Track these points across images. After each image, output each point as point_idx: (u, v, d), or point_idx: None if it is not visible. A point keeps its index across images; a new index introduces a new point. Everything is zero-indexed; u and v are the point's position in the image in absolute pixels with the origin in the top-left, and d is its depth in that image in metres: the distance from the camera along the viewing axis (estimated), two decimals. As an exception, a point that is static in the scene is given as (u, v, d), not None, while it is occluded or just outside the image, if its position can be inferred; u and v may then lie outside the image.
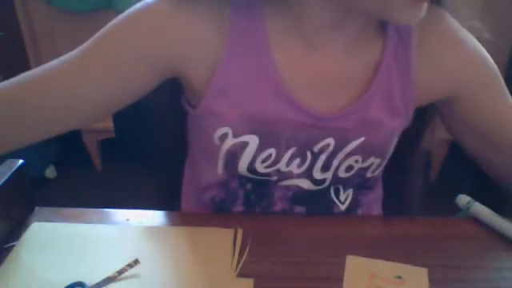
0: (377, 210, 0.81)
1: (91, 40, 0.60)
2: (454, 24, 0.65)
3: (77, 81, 0.59)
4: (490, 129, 0.68)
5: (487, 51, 0.67)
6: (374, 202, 0.80)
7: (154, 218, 0.68)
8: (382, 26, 0.63)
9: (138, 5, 0.60)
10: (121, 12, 0.61)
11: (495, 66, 0.67)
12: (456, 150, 0.79)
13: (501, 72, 0.69)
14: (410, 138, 0.73)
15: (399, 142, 0.70)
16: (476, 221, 0.67)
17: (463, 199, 0.68)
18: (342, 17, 0.59)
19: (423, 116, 0.71)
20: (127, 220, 0.67)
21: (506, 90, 0.68)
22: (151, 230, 0.65)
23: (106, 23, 0.61)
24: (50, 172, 2.07)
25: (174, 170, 0.82)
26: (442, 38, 0.65)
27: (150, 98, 0.70)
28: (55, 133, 0.62)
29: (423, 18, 0.58)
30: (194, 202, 0.78)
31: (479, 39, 0.66)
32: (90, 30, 0.61)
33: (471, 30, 0.66)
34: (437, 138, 0.77)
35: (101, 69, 0.59)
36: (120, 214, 0.68)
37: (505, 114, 0.68)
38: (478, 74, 0.67)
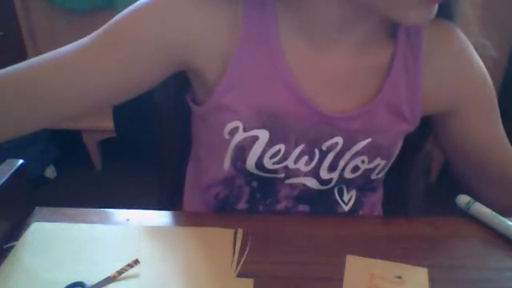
0: (377, 210, 0.81)
1: (103, 29, 0.60)
2: (464, 40, 0.66)
3: (88, 69, 0.59)
4: (477, 153, 0.69)
5: (485, 66, 0.68)
6: (375, 203, 0.80)
7: (154, 217, 0.68)
8: (393, 32, 0.63)
9: None
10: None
11: (493, 90, 0.68)
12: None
13: (495, 86, 0.69)
14: (414, 141, 0.73)
15: (403, 145, 0.70)
16: (476, 221, 0.67)
17: (463, 199, 0.68)
18: (351, 17, 0.59)
19: (428, 122, 0.72)
20: (127, 220, 0.67)
21: (498, 116, 0.69)
22: (151, 230, 0.65)
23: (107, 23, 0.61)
24: (50, 172, 2.07)
25: (176, 169, 0.82)
26: (451, 52, 0.66)
27: (155, 96, 0.70)
28: (61, 119, 0.63)
29: (434, 31, 0.59)
30: (197, 200, 0.78)
31: (484, 56, 0.67)
32: (91, 30, 0.61)
33: (478, 46, 0.66)
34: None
35: (114, 58, 0.60)
36: (120, 214, 0.68)
37: (493, 140, 0.69)
38: (474, 95, 0.68)
